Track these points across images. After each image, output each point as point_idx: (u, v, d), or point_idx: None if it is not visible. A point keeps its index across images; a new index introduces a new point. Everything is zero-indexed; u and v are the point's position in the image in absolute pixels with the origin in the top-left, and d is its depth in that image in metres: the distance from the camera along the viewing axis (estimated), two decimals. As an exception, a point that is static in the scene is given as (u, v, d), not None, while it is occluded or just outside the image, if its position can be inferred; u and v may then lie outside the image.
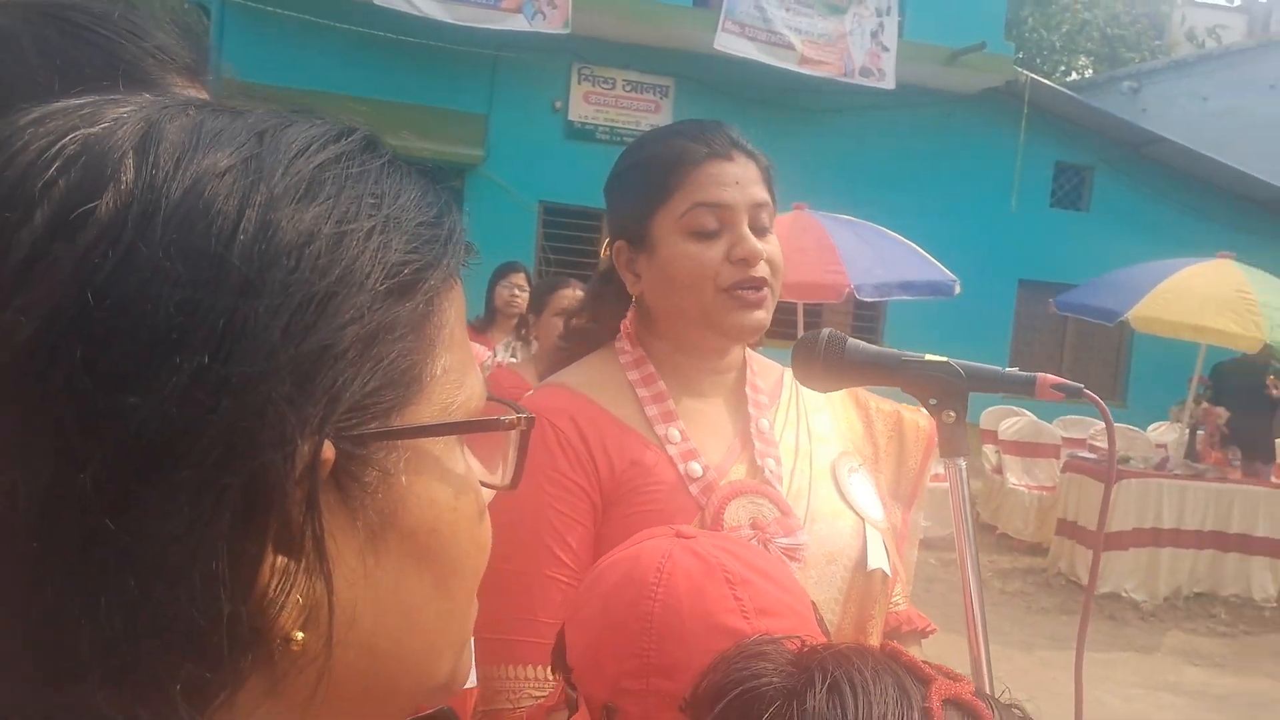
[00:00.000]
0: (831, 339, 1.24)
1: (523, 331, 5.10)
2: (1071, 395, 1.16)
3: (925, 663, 0.71)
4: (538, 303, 4.28)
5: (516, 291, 5.20)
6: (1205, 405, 8.59)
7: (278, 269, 0.45)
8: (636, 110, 11.91)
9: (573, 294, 4.00)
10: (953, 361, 1.18)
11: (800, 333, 7.69)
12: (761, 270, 1.40)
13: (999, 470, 9.66)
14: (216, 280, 0.43)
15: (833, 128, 12.07)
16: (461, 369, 0.54)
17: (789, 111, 11.67)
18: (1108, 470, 1.15)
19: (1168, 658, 6.75)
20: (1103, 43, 25.49)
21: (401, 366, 0.49)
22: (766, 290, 1.41)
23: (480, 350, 4.75)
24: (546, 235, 11.70)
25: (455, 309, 0.55)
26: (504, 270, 5.30)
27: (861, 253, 7.38)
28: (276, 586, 0.46)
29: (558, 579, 1.31)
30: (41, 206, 0.43)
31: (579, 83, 11.78)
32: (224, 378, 0.43)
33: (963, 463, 1.17)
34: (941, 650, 1.67)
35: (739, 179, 1.41)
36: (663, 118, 11.81)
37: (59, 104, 0.48)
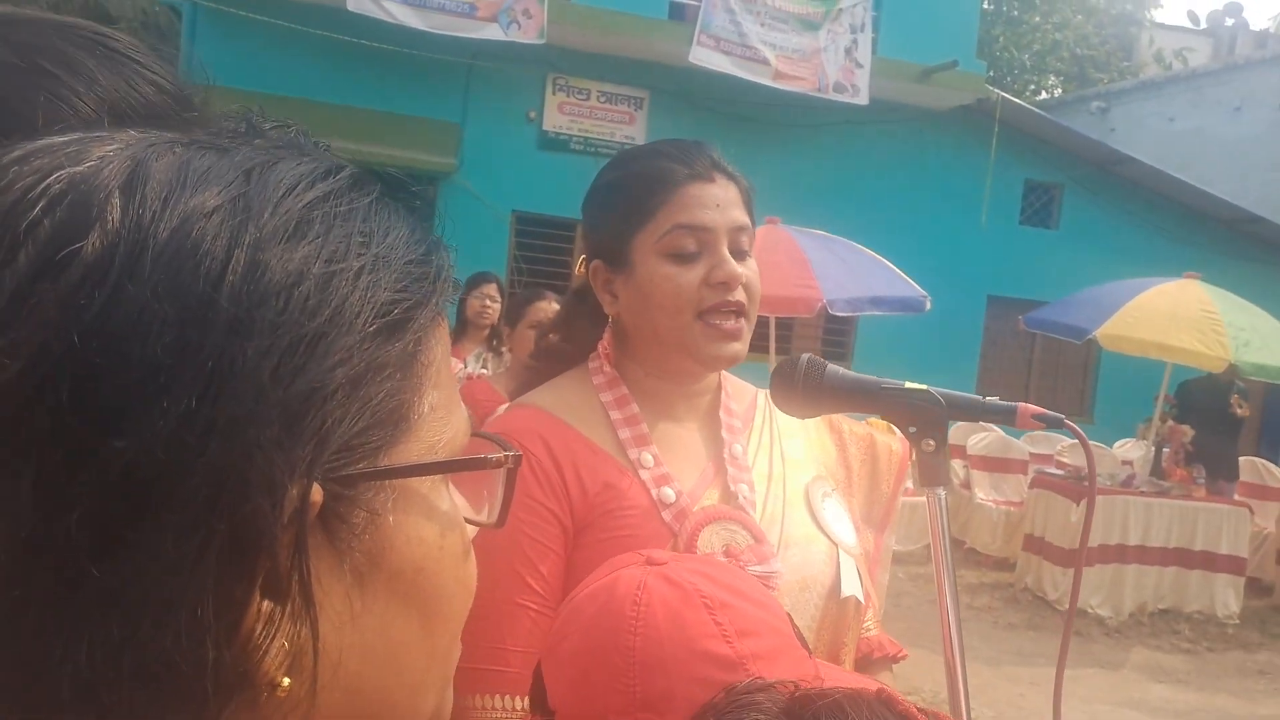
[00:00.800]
0: (811, 365, 1.22)
1: (494, 342, 5.07)
2: (1052, 425, 1.15)
3: (921, 710, 0.69)
4: (513, 314, 4.26)
5: (488, 302, 5.17)
6: (1171, 423, 8.67)
7: (267, 309, 0.44)
8: (611, 121, 11.90)
9: (548, 306, 3.98)
10: (933, 390, 1.17)
11: (772, 346, 7.74)
12: (739, 295, 1.38)
13: (967, 485, 9.71)
14: (205, 321, 0.43)
15: (806, 143, 12.12)
16: (448, 406, 0.54)
17: (763, 125, 11.71)
18: (1088, 500, 1.14)
19: (1132, 674, 6.79)
20: (1072, 63, 25.80)
21: (390, 406, 0.49)
22: (743, 321, 1.40)
23: (452, 362, 4.71)
24: (519, 245, 11.65)
25: (441, 345, 0.55)
26: (476, 280, 5.27)
27: (834, 268, 7.40)
28: (262, 632, 0.45)
29: (528, 607, 1.28)
30: (26, 247, 0.42)
31: (554, 93, 11.75)
32: (212, 420, 0.42)
33: (942, 492, 1.16)
34: (911, 667, 1.66)
35: (720, 201, 1.39)
36: (637, 129, 11.82)
37: (43, 141, 0.47)
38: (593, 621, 0.88)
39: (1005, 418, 1.16)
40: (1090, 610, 7.78)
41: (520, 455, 0.58)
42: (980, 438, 9.87)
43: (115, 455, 0.41)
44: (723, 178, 1.42)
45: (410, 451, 0.50)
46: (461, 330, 5.17)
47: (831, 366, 1.22)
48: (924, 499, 1.17)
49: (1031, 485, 8.67)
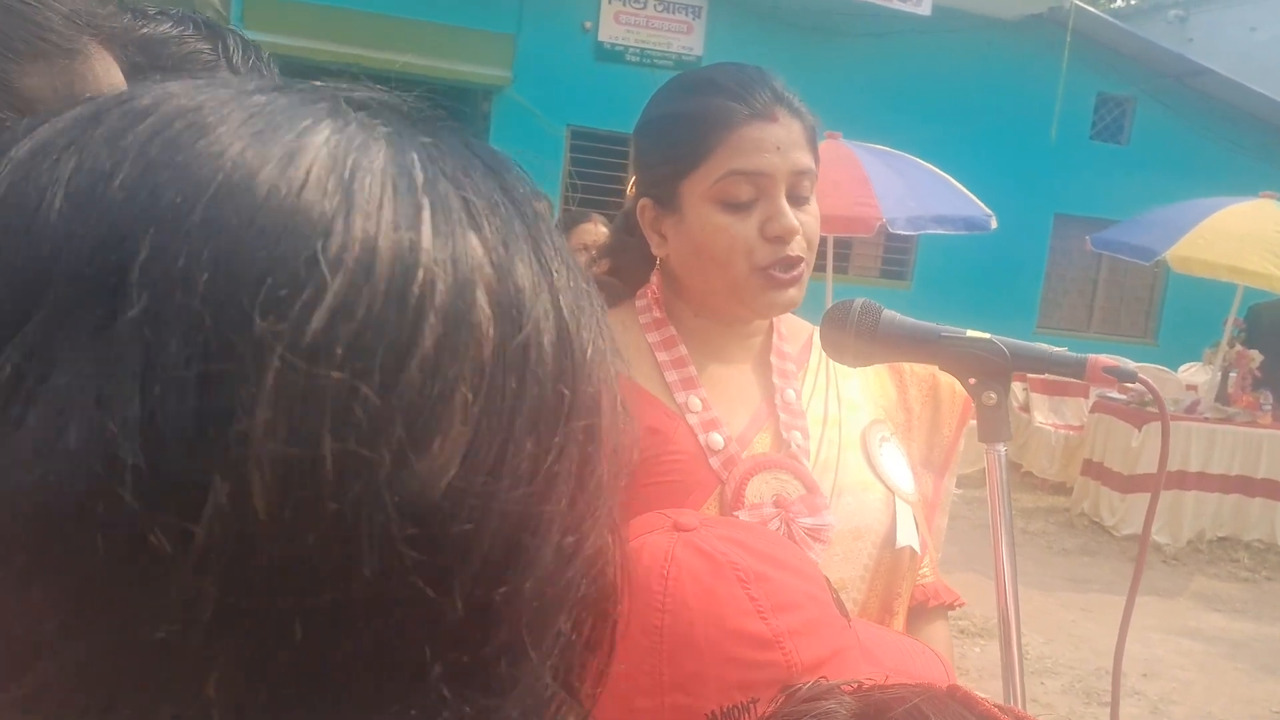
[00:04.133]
0: (865, 310, 1.16)
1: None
2: (1124, 380, 1.08)
3: (999, 707, 0.64)
4: (560, 235, 4.20)
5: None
6: (1239, 348, 8.42)
7: (596, 395, 0.41)
8: (668, 31, 11.62)
9: (595, 229, 3.92)
10: (996, 339, 1.10)
11: (830, 266, 7.62)
12: (797, 248, 1.30)
13: (1026, 408, 9.56)
14: (575, 406, 0.39)
15: (869, 53, 11.76)
16: None
17: (824, 35, 11.38)
18: (1157, 476, 1.07)
19: (1188, 602, 6.71)
20: (1151, -33, 24.66)
21: None
22: (802, 267, 1.32)
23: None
24: (574, 161, 11.51)
25: None
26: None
27: (895, 185, 7.21)
28: None
29: None
30: (428, 322, 0.34)
31: (610, 2, 11.49)
32: (592, 499, 0.39)
33: (1002, 448, 1.10)
34: (964, 592, 1.62)
35: (780, 143, 1.29)
36: (695, 40, 11.54)
37: (360, 212, 0.35)
38: None
39: (1074, 370, 1.09)
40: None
41: None
42: (1040, 360, 9.69)
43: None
44: (785, 114, 1.31)
45: None
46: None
47: (887, 312, 1.16)
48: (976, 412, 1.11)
49: (1092, 410, 8.52)
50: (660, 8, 11.60)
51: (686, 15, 11.65)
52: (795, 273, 1.31)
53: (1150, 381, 1.07)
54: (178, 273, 0.31)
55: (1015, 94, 12.37)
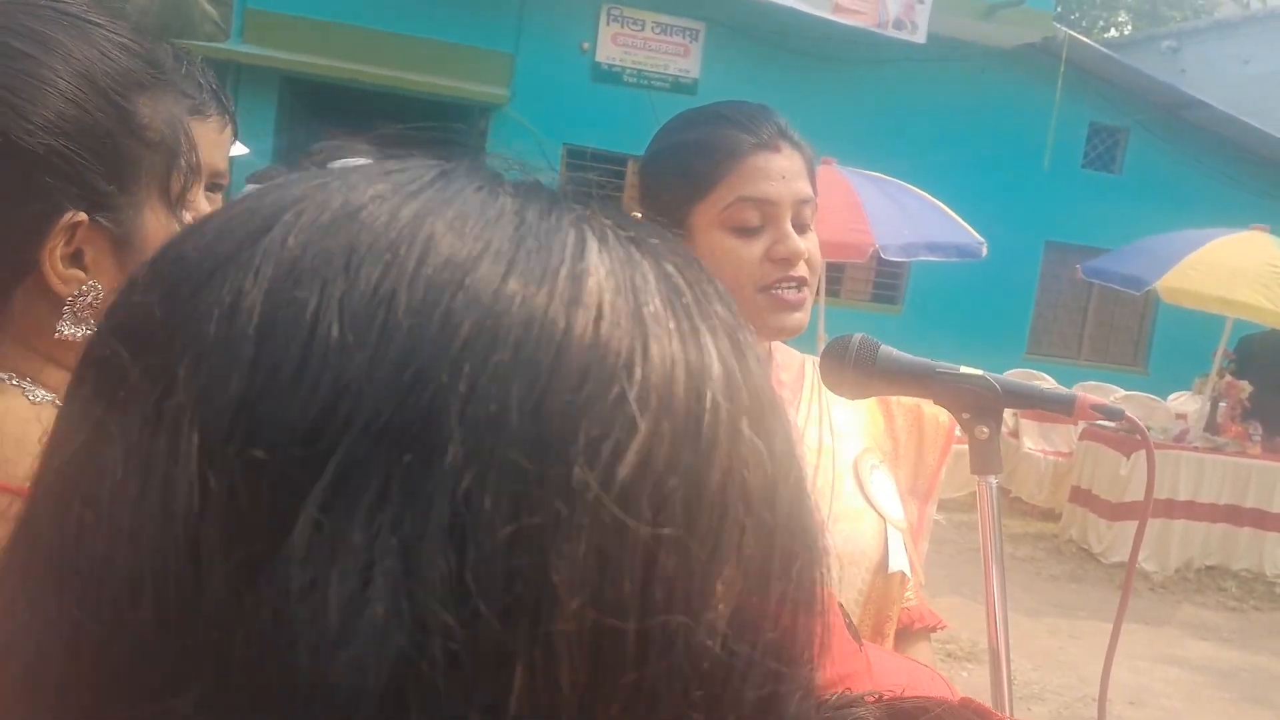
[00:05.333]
0: (863, 346, 1.19)
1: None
2: (1112, 418, 1.11)
3: None
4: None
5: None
6: (1228, 378, 8.48)
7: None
8: (665, 53, 11.70)
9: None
10: (989, 376, 1.14)
11: (822, 290, 7.64)
12: (801, 270, 1.35)
13: (1015, 434, 9.60)
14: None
15: (863, 80, 11.85)
16: None
17: (820, 61, 11.46)
18: (1143, 505, 1.10)
19: (1175, 630, 6.74)
20: (1144, -1, 24.90)
21: None
22: (805, 291, 1.37)
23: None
24: (570, 180, 11.55)
25: None
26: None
27: (888, 211, 7.27)
28: None
29: None
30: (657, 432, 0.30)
31: (608, 23, 11.57)
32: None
33: (994, 480, 1.13)
34: (949, 615, 1.65)
35: (785, 172, 1.35)
36: (691, 62, 11.62)
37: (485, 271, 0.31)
38: None
39: (1063, 408, 1.13)
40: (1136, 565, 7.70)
41: None
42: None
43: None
44: (788, 147, 1.37)
45: None
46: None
47: (885, 348, 1.19)
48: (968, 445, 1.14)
49: (1081, 436, 8.55)
50: (658, 30, 11.69)
51: (684, 38, 11.74)
52: (801, 294, 1.36)
53: (1136, 420, 1.10)
54: (492, 417, 0.28)
55: (1008, 122, 12.46)
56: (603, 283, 0.32)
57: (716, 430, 0.31)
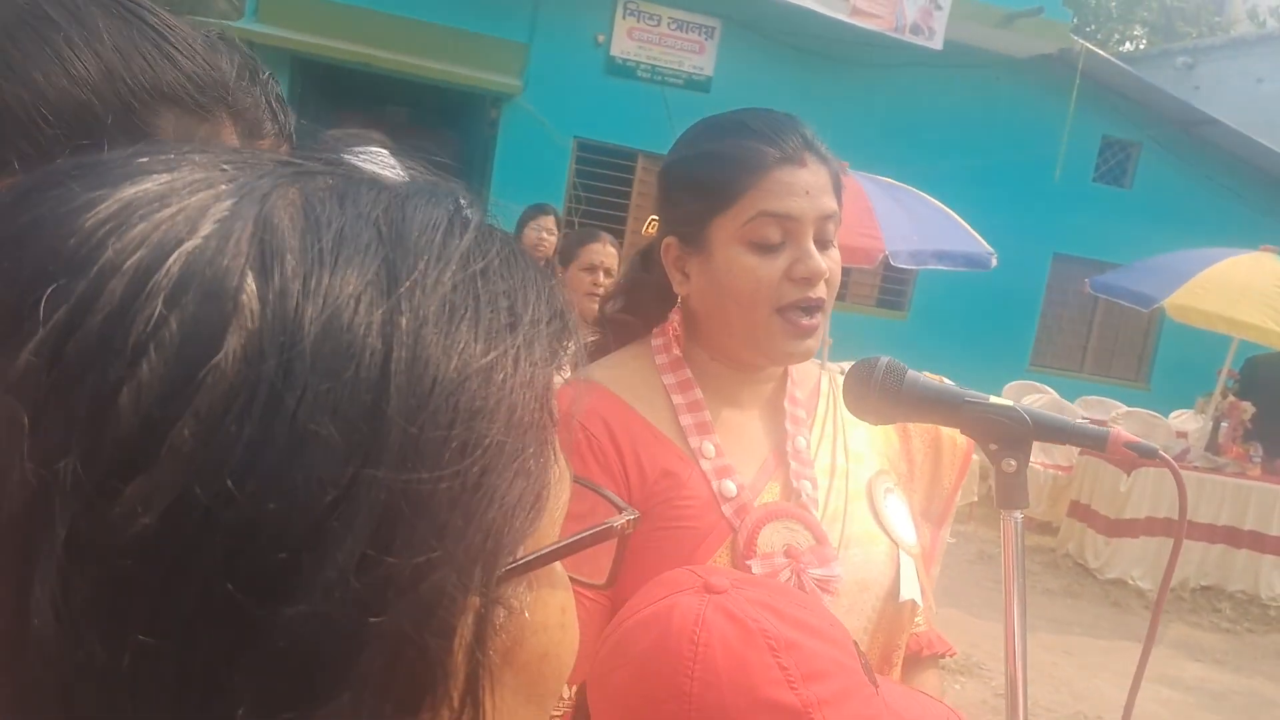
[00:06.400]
0: (890, 370, 1.16)
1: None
2: (1145, 455, 1.08)
3: None
4: (566, 254, 4.20)
5: (545, 235, 5.12)
6: (1231, 399, 8.45)
7: (438, 425, 0.35)
8: (680, 50, 11.64)
9: (603, 249, 3.92)
10: (1019, 407, 1.10)
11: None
12: (820, 290, 1.31)
13: (1015, 446, 9.56)
14: (377, 444, 0.34)
15: (878, 84, 11.80)
16: (560, 463, 0.45)
17: (835, 64, 11.42)
18: (1177, 531, 1.07)
19: (1169, 650, 6.71)
20: (1161, 13, 24.84)
21: (534, 491, 0.40)
22: (820, 316, 1.33)
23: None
24: (579, 173, 11.53)
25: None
26: (534, 212, 5.21)
27: (899, 218, 7.23)
28: None
29: (582, 595, 1.25)
30: (148, 357, 0.32)
31: (624, 17, 11.51)
32: (391, 572, 0.34)
33: (1019, 515, 1.10)
34: (946, 628, 1.62)
35: (809, 187, 1.30)
36: (706, 60, 11.57)
37: (130, 190, 0.36)
38: (646, 657, 0.83)
39: (1096, 443, 1.09)
40: (1130, 582, 7.69)
41: (638, 516, 0.50)
42: (1033, 399, 9.70)
43: (284, 627, 0.32)
44: (814, 160, 1.32)
45: (543, 531, 0.42)
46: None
47: (911, 373, 1.16)
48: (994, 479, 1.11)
49: (1082, 451, 8.53)
50: (673, 26, 11.63)
51: (699, 35, 11.68)
52: (814, 320, 1.32)
53: (1169, 459, 1.07)
54: None
55: (1021, 132, 12.42)
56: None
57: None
